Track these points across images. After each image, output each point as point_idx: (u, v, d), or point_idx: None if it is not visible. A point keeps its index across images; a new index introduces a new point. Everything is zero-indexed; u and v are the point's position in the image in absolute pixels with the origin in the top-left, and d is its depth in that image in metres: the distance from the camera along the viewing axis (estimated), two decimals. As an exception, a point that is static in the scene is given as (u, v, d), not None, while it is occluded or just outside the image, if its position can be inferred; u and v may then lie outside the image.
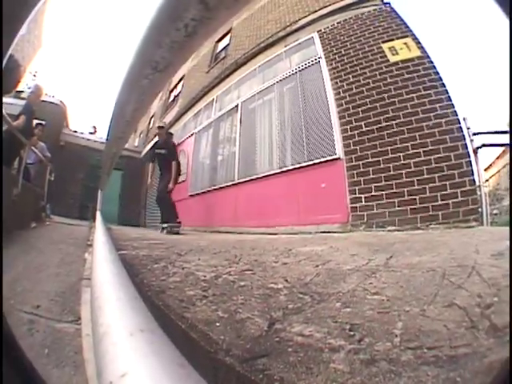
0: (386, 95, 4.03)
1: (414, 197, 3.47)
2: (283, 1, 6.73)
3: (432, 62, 3.94)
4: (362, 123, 4.10)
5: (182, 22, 0.39)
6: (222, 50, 8.61)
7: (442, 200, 3.31)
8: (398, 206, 3.54)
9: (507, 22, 0.35)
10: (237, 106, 6.57)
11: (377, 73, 4.23)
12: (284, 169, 4.93)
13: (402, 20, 4.50)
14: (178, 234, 4.91)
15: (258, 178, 5.39)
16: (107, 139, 1.53)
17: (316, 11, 5.60)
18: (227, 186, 6.17)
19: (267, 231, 4.44)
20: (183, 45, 0.43)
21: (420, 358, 0.59)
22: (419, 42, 4.17)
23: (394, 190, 3.62)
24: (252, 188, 5.50)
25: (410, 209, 3.45)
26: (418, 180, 3.49)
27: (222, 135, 7.07)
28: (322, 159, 4.35)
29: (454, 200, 3.25)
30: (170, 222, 5.08)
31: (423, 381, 0.52)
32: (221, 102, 7.50)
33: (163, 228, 5.15)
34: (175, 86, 11.18)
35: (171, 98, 11.57)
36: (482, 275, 1.10)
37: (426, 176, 3.46)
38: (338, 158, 4.16)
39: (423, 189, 3.44)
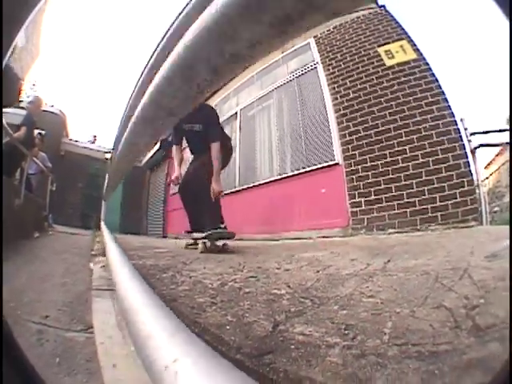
0: (382, 99, 4.08)
1: (413, 199, 3.52)
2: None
3: (428, 64, 3.98)
4: (360, 128, 4.16)
5: (194, 83, 0.47)
6: (221, 57, 8.70)
7: (440, 201, 3.35)
8: (398, 209, 3.59)
9: (507, 22, 0.35)
10: (236, 113, 6.65)
11: (373, 77, 4.29)
12: (284, 175, 4.99)
13: (397, 22, 4.54)
14: (227, 251, 2.92)
15: (258, 185, 5.45)
16: (118, 160, 1.59)
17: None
18: (229, 193, 6.22)
19: (269, 237, 4.49)
20: (196, 98, 0.51)
21: (404, 353, 0.67)
22: (415, 45, 4.21)
23: (394, 193, 3.67)
24: (253, 194, 5.55)
25: (410, 211, 3.50)
26: (416, 182, 3.55)
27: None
28: (322, 165, 4.41)
29: (452, 201, 3.29)
30: (210, 226, 2.94)
31: (405, 372, 0.60)
32: (220, 110, 7.57)
33: (205, 237, 2.93)
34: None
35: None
36: (473, 277, 1.15)
37: (424, 178, 3.51)
38: (337, 163, 4.22)
39: (422, 191, 3.49)
